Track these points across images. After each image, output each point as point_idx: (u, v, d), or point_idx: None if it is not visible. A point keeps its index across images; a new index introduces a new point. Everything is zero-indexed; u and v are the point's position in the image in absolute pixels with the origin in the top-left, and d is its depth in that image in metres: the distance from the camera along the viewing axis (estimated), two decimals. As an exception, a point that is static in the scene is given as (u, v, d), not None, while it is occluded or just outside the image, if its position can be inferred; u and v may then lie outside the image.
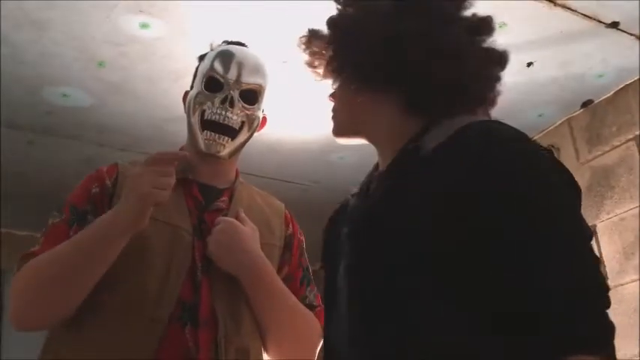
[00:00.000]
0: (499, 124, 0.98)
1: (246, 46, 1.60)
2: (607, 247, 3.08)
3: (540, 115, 3.36)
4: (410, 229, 0.91)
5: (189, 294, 1.33)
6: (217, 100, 1.47)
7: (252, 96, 1.52)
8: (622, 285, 2.95)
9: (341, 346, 0.99)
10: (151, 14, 2.53)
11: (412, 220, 0.91)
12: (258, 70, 1.55)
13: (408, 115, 1.05)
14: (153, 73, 2.88)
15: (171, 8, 2.50)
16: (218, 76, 1.49)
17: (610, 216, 3.10)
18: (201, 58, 1.58)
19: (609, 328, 0.81)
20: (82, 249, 1.27)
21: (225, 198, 1.48)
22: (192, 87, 1.55)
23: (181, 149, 1.54)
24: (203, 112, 1.47)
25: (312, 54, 1.14)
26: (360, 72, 1.07)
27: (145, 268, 1.31)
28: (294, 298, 1.46)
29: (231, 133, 1.47)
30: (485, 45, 1.07)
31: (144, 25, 2.58)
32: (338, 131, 1.14)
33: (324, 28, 1.12)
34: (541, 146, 0.96)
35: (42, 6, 2.45)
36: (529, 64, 2.90)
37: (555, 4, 2.55)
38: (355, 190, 1.15)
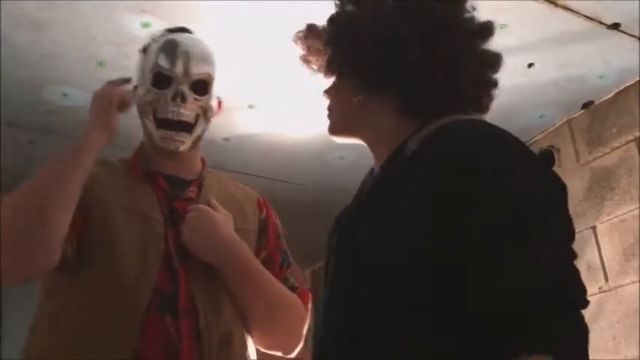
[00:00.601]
0: (472, 122, 0.98)
1: (190, 32, 1.55)
2: (607, 248, 3.08)
3: (541, 116, 3.36)
4: (387, 234, 0.91)
5: (166, 284, 1.31)
6: (168, 97, 1.43)
7: (203, 86, 1.47)
8: (622, 286, 2.95)
9: (328, 345, 0.99)
10: (152, 14, 2.52)
11: (390, 225, 0.91)
12: (205, 58, 1.49)
13: (402, 117, 1.05)
14: (153, 73, 2.88)
15: (172, 8, 2.50)
16: (165, 72, 1.44)
17: (610, 217, 3.10)
18: (144, 51, 1.53)
19: (576, 332, 0.80)
20: (57, 165, 1.28)
21: (193, 188, 1.47)
22: (138, 81, 1.51)
23: (140, 146, 1.52)
24: (155, 111, 1.44)
25: (308, 49, 1.13)
26: (356, 72, 1.06)
27: (119, 259, 1.30)
28: (274, 280, 1.44)
29: (188, 128, 1.45)
30: (481, 48, 1.07)
31: (145, 25, 2.57)
32: (333, 130, 1.14)
33: (321, 24, 1.12)
34: (519, 143, 0.93)
35: (42, 6, 2.44)
36: (530, 65, 2.90)
37: (556, 5, 2.55)
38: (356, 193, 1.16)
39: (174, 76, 1.44)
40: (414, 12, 1.04)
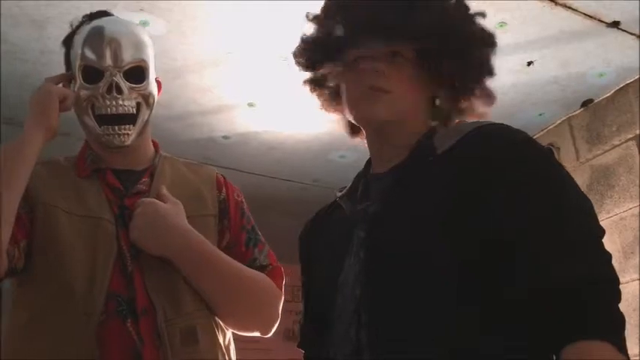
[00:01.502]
0: (510, 127, 1.03)
1: (111, 15, 1.45)
2: (607, 246, 3.04)
3: (541, 115, 3.36)
4: (437, 227, 0.93)
5: (121, 286, 1.26)
6: (102, 91, 1.34)
7: (139, 73, 1.38)
8: (622, 284, 2.92)
9: (341, 348, 0.99)
10: (150, 12, 2.52)
11: (437, 217, 0.94)
12: (135, 43, 1.39)
13: (427, 117, 1.11)
14: (153, 71, 2.88)
15: (171, 7, 2.49)
16: (94, 64, 1.35)
17: (610, 215, 3.10)
18: (67, 43, 1.44)
19: (621, 318, 0.85)
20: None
21: (145, 179, 1.40)
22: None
23: (86, 142, 1.44)
24: (93, 107, 1.36)
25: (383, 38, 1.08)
26: (434, 67, 1.08)
27: (66, 266, 1.25)
28: (236, 264, 1.37)
29: (130, 119, 1.36)
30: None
31: (143, 23, 2.57)
32: (390, 115, 1.07)
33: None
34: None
35: (41, 4, 2.44)
36: (529, 64, 2.90)
37: (556, 4, 2.54)
38: (340, 192, 1.15)
39: (104, 68, 1.35)
40: (479, 26, 1.10)
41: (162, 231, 1.31)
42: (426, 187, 0.98)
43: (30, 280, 1.27)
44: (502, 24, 2.54)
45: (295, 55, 1.16)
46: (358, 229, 1.03)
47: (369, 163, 1.17)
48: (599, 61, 2.93)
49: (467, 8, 1.11)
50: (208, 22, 2.57)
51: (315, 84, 1.18)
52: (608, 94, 3.19)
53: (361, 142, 1.20)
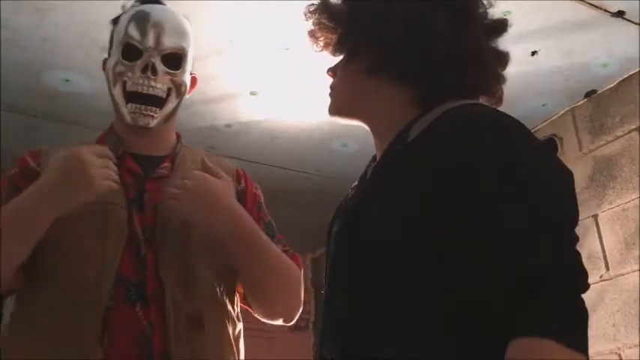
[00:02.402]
0: (480, 106, 0.97)
1: (162, 4, 1.49)
2: (608, 237, 3.08)
3: (544, 105, 3.35)
4: (393, 224, 0.90)
5: (131, 271, 1.26)
6: (138, 69, 1.36)
7: (176, 60, 1.41)
8: (623, 275, 2.95)
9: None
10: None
11: (396, 213, 0.91)
12: (178, 31, 1.42)
13: (411, 105, 1.03)
14: (155, 59, 2.87)
15: (173, -6, 2.49)
16: (135, 43, 1.38)
17: (612, 206, 3.09)
18: (115, 22, 1.47)
19: (577, 312, 0.79)
20: (8, 220, 1.20)
21: (167, 164, 1.40)
22: (109, 54, 1.45)
23: (111, 126, 1.46)
24: (124, 83, 1.37)
25: (318, 24, 1.10)
26: (372, 54, 1.03)
27: (77, 253, 1.25)
28: (276, 248, 1.39)
29: (158, 102, 1.38)
30: (494, 45, 1.07)
31: (146, 11, 2.56)
32: (335, 110, 1.11)
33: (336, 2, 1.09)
34: (526, 128, 0.93)
35: (44, -10, 2.44)
36: (533, 53, 2.89)
37: (560, -7, 2.53)
38: (356, 182, 1.15)
39: (145, 48, 1.37)
40: (441, 6, 1.02)
41: (221, 210, 1.30)
42: (394, 180, 0.95)
43: (36, 272, 1.27)
44: (506, 13, 2.52)
45: None
46: (336, 222, 1.05)
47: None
48: (602, 51, 2.92)
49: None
50: (211, 10, 2.56)
51: None
52: (611, 85, 3.18)
53: (363, 131, 1.20)
